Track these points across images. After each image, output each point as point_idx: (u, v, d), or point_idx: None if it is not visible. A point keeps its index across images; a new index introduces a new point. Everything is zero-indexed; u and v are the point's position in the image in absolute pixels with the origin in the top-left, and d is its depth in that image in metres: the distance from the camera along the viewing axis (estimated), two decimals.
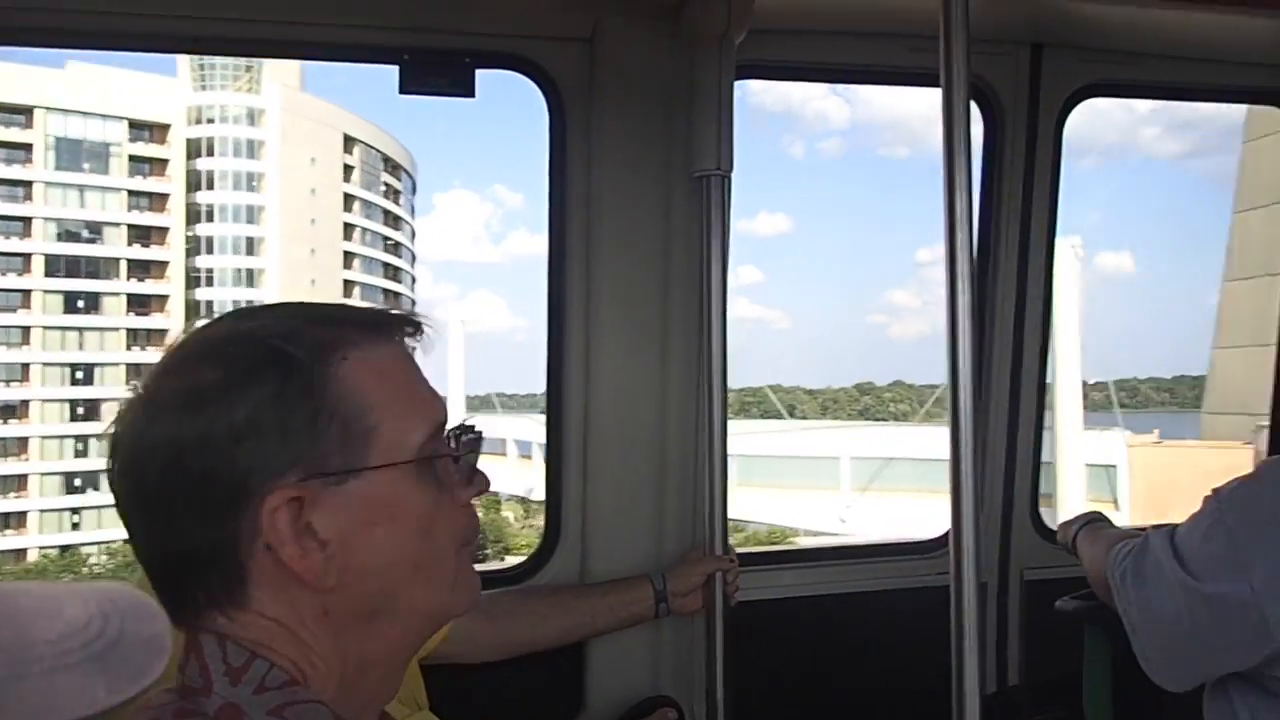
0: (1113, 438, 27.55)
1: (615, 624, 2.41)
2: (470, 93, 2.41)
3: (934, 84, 1.78)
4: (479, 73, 2.43)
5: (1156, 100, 3.10)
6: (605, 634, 2.43)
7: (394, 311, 1.09)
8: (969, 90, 1.76)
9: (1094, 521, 2.21)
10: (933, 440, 28.48)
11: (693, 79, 2.38)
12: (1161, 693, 1.71)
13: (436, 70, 2.39)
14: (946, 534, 2.84)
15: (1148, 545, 1.71)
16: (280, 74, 73.10)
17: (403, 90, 2.37)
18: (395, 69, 2.37)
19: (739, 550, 2.52)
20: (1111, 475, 27.09)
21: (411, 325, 1.09)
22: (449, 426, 1.08)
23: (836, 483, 30.26)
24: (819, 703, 2.81)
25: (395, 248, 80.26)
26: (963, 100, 1.74)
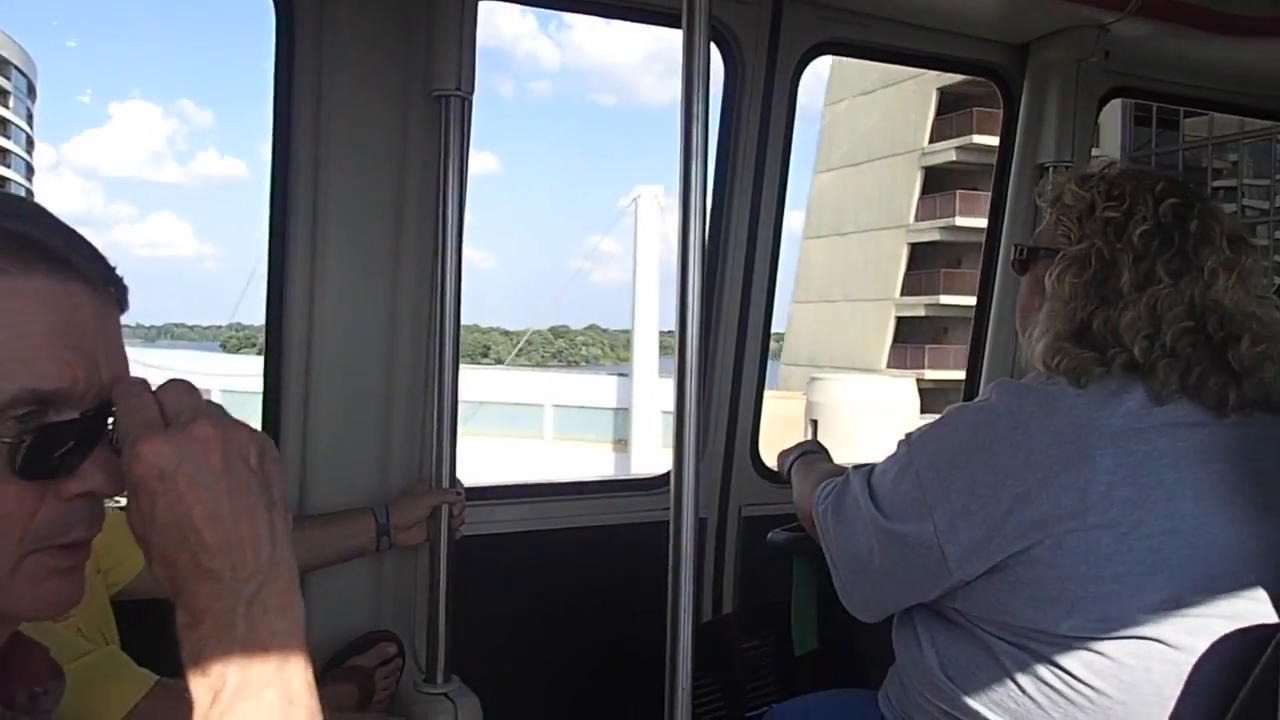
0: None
1: (334, 557, 2.32)
2: None
3: (676, 24, 1.78)
4: None
5: (886, 62, 3.25)
6: (324, 568, 2.34)
7: (94, 255, 0.87)
8: (709, 32, 1.76)
9: (809, 453, 2.30)
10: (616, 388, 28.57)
11: None
12: (859, 620, 1.83)
13: None
14: (670, 471, 2.96)
15: (848, 484, 1.80)
16: None
17: None
18: None
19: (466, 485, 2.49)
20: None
21: (114, 284, 0.88)
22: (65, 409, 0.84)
23: (540, 431, 30.10)
24: (540, 637, 2.83)
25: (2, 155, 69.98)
26: (703, 41, 1.75)
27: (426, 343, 2.45)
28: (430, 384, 2.42)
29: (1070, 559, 1.52)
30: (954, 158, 39.68)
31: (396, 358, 2.46)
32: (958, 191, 39.52)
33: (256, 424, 2.43)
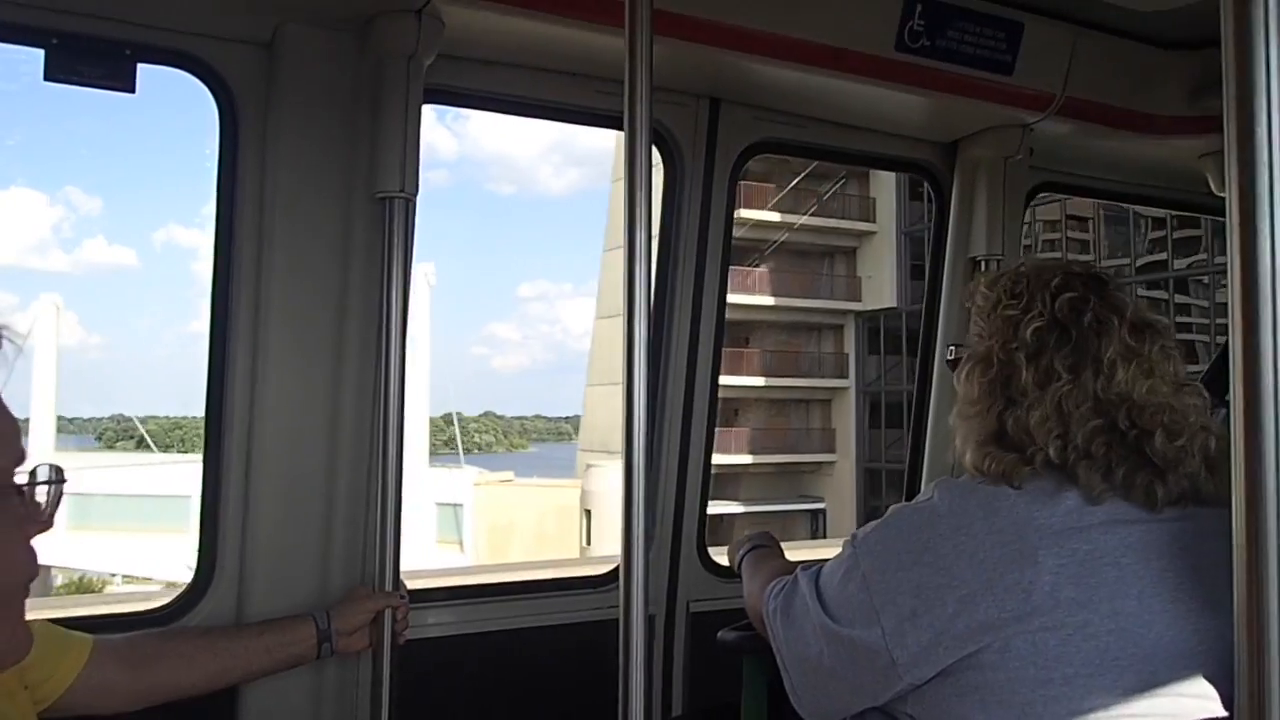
0: (461, 476, 27.21)
1: (272, 666, 2.24)
2: (129, 87, 2.22)
3: (615, 126, 1.82)
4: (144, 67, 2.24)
5: (821, 160, 3.35)
6: (261, 677, 2.26)
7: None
8: (650, 135, 1.81)
9: (760, 546, 2.29)
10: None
11: (379, 98, 2.32)
12: None
13: (90, 59, 2.17)
14: (616, 569, 2.94)
15: (796, 585, 1.79)
16: None
17: (48, 77, 2.14)
18: (41, 53, 2.13)
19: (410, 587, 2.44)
20: (459, 513, 27.48)
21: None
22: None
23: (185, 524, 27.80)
24: None
25: None
26: (645, 143, 1.79)
27: (369, 443, 2.42)
28: (373, 485, 2.39)
29: (1018, 662, 1.52)
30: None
31: (338, 459, 2.43)
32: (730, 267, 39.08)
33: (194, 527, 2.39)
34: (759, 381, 37.99)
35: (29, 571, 0.97)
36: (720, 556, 3.07)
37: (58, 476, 0.98)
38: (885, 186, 39.04)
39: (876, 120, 3.12)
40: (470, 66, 2.58)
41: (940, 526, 1.61)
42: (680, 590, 3.03)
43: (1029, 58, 2.85)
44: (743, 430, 37.99)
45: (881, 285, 38.76)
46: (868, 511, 36.99)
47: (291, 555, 2.39)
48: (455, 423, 31.56)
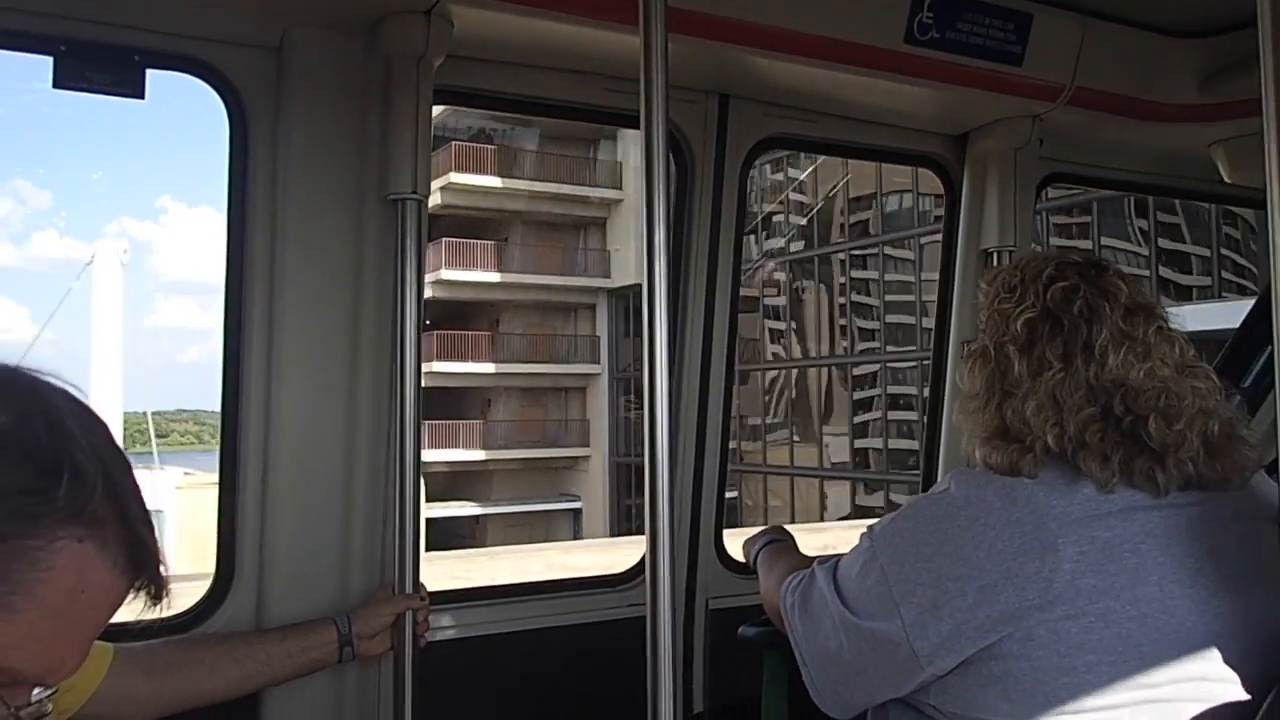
0: (160, 478, 23.62)
1: (294, 672, 2.24)
2: (138, 93, 2.21)
3: (627, 124, 1.82)
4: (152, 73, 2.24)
5: (830, 155, 3.35)
6: (283, 683, 2.26)
7: (164, 568, 1.02)
8: (667, 132, 1.81)
9: (775, 541, 2.29)
10: None
11: (388, 99, 2.32)
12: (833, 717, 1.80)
13: (99, 66, 2.17)
14: (637, 567, 2.94)
15: (814, 580, 1.79)
16: None
17: (57, 84, 2.14)
18: (50, 60, 2.13)
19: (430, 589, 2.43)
20: (159, 520, 26.53)
21: (156, 590, 1.03)
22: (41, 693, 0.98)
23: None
24: None
25: None
26: (661, 142, 1.79)
27: (386, 446, 2.42)
28: (390, 487, 2.39)
29: (1041, 651, 1.52)
30: (439, 200, 31.80)
31: (355, 461, 2.42)
32: (444, 240, 32.94)
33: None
34: (512, 368, 35.12)
35: None
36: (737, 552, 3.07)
37: (39, 713, 1.00)
38: (633, 148, 34.15)
39: (886, 114, 3.12)
40: (479, 66, 2.57)
41: (958, 517, 1.61)
42: (699, 587, 3.02)
43: (1038, 48, 2.84)
44: (496, 423, 35.58)
45: (628, 259, 35.12)
46: (621, 511, 34.74)
47: (310, 559, 2.39)
48: (149, 417, 28.29)
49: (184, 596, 2.30)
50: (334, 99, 2.35)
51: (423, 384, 2.40)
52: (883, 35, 2.66)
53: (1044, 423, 1.60)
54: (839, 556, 1.79)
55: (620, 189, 35.65)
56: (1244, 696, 1.54)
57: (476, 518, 33.86)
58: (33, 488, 0.92)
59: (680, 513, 2.99)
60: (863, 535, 1.74)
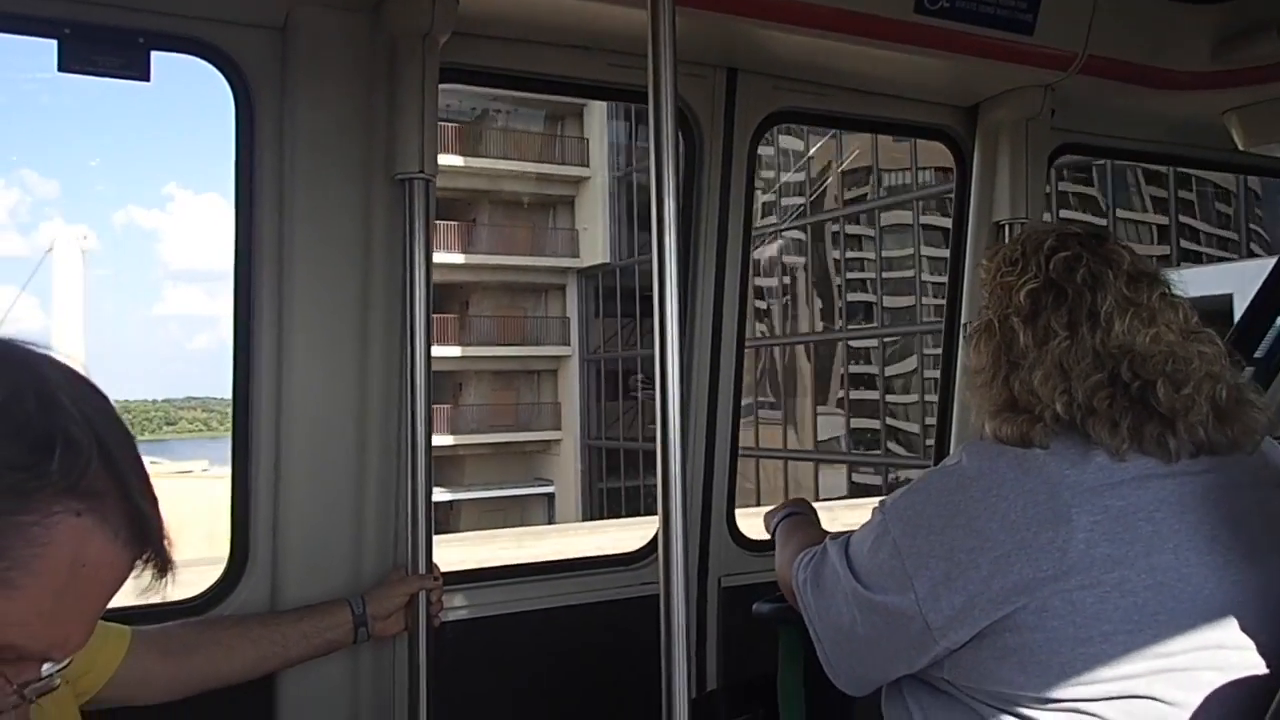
0: None
1: (310, 653, 2.25)
2: (144, 75, 2.20)
3: (633, 99, 1.81)
4: (157, 55, 2.23)
5: (839, 128, 3.32)
6: (298, 664, 2.27)
7: (167, 539, 1.01)
8: (676, 107, 1.79)
9: (795, 514, 2.29)
10: None
11: (394, 77, 2.30)
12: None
13: (104, 49, 2.16)
14: (649, 545, 2.94)
15: (825, 554, 1.79)
16: None
17: (62, 68, 2.13)
18: (54, 44, 2.12)
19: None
20: None
21: (161, 562, 1.01)
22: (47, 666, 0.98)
23: None
24: None
25: None
26: (670, 117, 1.78)
27: (397, 426, 2.42)
28: (402, 468, 2.39)
29: (1056, 621, 1.51)
30: None
31: (367, 442, 2.43)
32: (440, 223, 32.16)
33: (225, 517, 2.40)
34: (483, 351, 34.78)
35: None
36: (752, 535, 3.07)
37: (46, 688, 1.00)
38: (599, 123, 34.65)
39: (895, 85, 3.08)
40: (485, 43, 2.56)
41: (971, 489, 1.60)
42: (711, 565, 3.02)
43: (1049, 17, 2.81)
44: (467, 408, 35.16)
45: (596, 238, 34.93)
46: (594, 495, 34.47)
47: (324, 540, 2.40)
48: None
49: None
50: (339, 78, 2.33)
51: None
52: (892, 6, 2.63)
53: (1052, 391, 1.60)
54: (851, 531, 1.78)
55: (587, 166, 35.05)
56: (1261, 663, 1.53)
57: (450, 503, 33.61)
58: (24, 463, 0.91)
59: (692, 490, 2.99)
60: (875, 509, 1.74)
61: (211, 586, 2.42)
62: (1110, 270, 1.66)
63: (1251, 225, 22.87)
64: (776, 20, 2.56)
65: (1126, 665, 1.50)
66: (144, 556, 1.00)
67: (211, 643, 2.15)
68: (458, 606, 2.58)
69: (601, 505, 34.04)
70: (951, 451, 3.29)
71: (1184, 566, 1.53)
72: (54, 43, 2.13)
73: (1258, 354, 3.69)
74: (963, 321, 3.30)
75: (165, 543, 1.01)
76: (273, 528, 2.38)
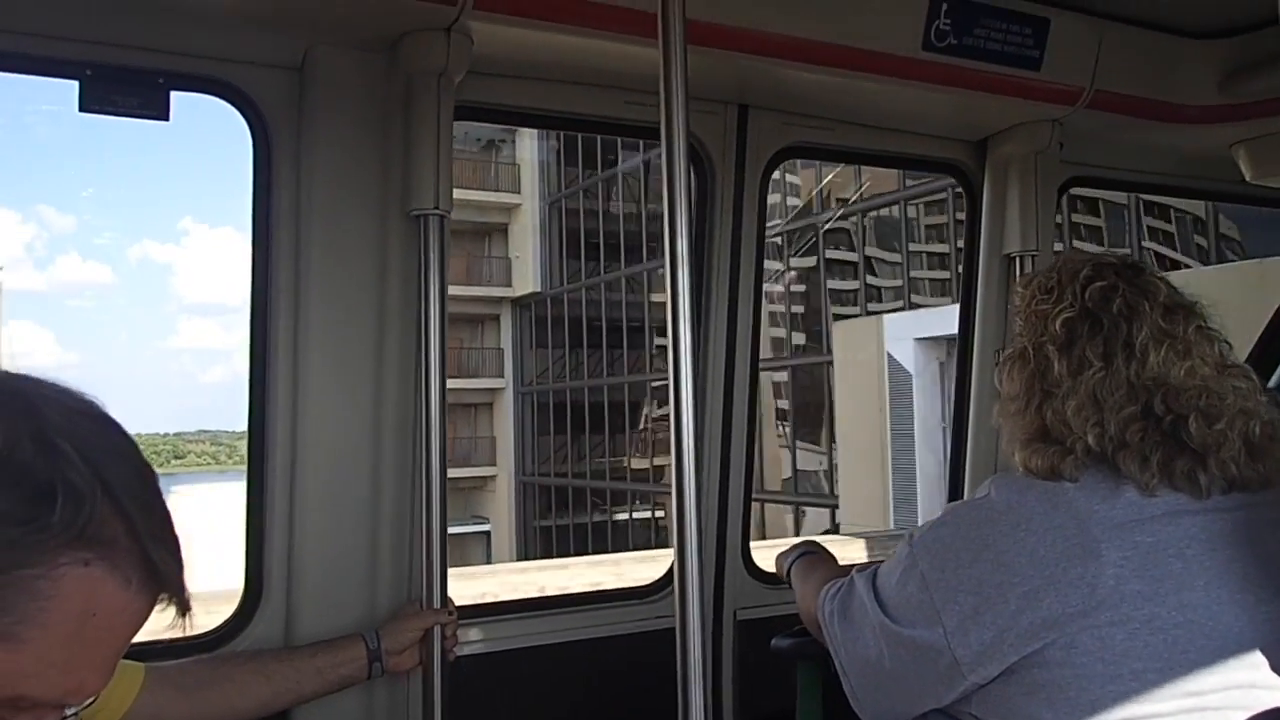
0: None
1: (324, 688, 2.24)
2: (163, 115, 2.24)
3: (648, 136, 1.83)
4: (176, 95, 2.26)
5: (850, 163, 3.35)
6: (313, 700, 2.26)
7: (183, 581, 0.98)
8: (688, 145, 1.81)
9: (808, 554, 2.28)
10: None
11: (410, 116, 2.33)
12: None
13: (124, 89, 2.20)
14: (664, 578, 2.93)
15: (853, 587, 1.78)
16: None
17: (83, 108, 2.16)
18: (76, 85, 2.16)
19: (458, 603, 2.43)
20: None
21: (181, 605, 0.99)
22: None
23: None
24: None
25: None
26: (682, 153, 1.79)
27: (412, 461, 2.43)
28: (417, 502, 2.39)
29: (1086, 658, 1.50)
30: None
31: (381, 476, 2.43)
32: None
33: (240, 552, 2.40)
34: None
35: None
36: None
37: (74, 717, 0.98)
38: (530, 148, 33.92)
39: (905, 121, 3.11)
40: (500, 81, 2.58)
41: (999, 523, 1.60)
42: (726, 599, 3.01)
43: (1056, 52, 2.84)
44: None
45: (528, 266, 34.56)
46: (530, 534, 33.52)
47: (338, 575, 2.39)
48: None
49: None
50: (356, 117, 2.36)
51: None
52: (900, 42, 2.66)
53: (1085, 422, 1.59)
54: (878, 563, 1.78)
55: (519, 193, 34.57)
56: None
57: None
58: (24, 515, 0.88)
59: (707, 523, 2.98)
60: (902, 542, 1.73)
61: (226, 622, 2.42)
62: (1146, 301, 1.66)
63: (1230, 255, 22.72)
64: (787, 58, 2.59)
65: (1156, 703, 1.49)
66: (161, 599, 0.97)
67: (225, 679, 2.14)
68: (472, 640, 2.57)
69: (539, 544, 33.14)
70: (966, 483, 3.29)
71: (1215, 604, 1.52)
72: (76, 84, 2.17)
73: (1271, 384, 3.69)
74: (975, 352, 3.31)
75: (183, 584, 0.98)
76: (287, 562, 2.38)
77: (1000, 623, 1.54)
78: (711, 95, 2.81)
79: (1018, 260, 3.16)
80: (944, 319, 22.29)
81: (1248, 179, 3.30)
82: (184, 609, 0.99)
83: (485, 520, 35.81)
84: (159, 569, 0.95)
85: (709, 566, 2.98)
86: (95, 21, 2.16)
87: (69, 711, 0.97)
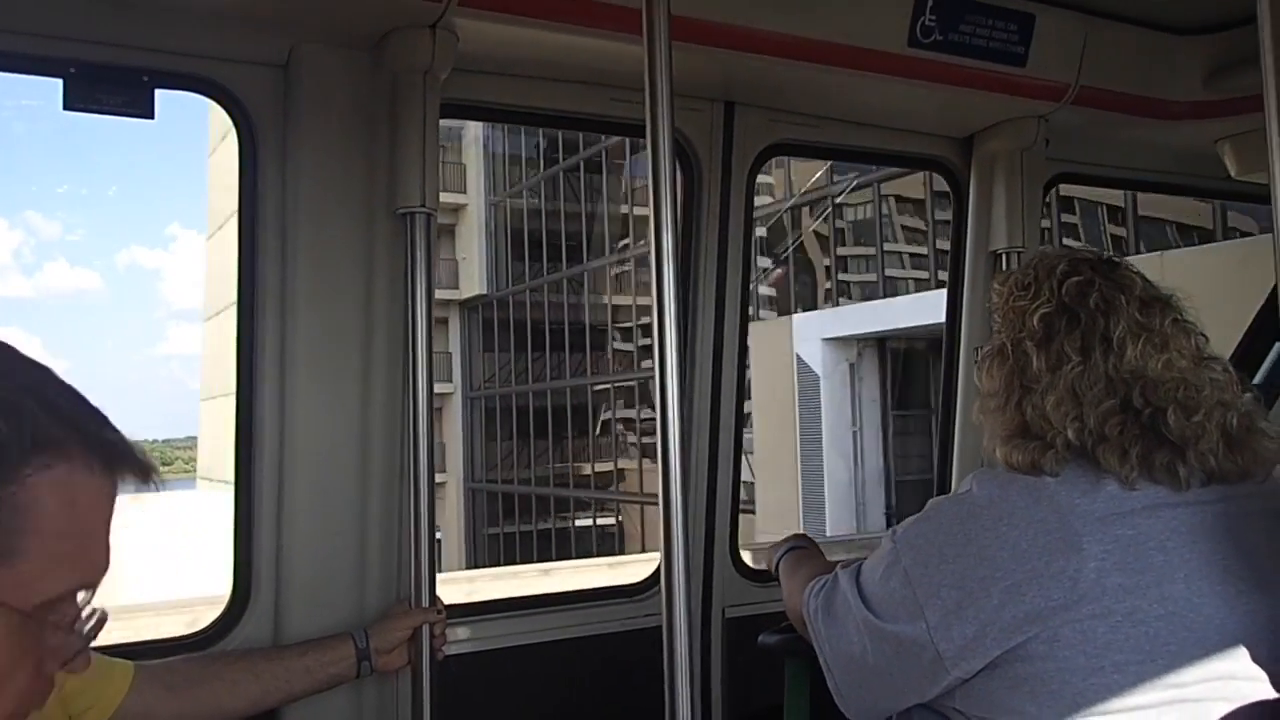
0: None
1: (313, 687, 2.24)
2: (148, 113, 2.23)
3: (633, 133, 1.83)
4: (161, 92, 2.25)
5: (837, 160, 3.35)
6: (302, 698, 2.26)
7: (138, 451, 1.03)
8: (673, 142, 1.81)
9: (797, 548, 2.28)
10: None
11: (395, 114, 2.33)
12: None
13: (108, 87, 2.19)
14: (653, 576, 2.93)
15: (837, 583, 1.78)
16: None
17: (67, 106, 2.15)
18: (59, 83, 2.15)
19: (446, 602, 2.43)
20: None
21: (142, 471, 1.03)
22: (87, 596, 1.00)
23: None
24: None
25: None
26: (668, 151, 1.79)
27: (400, 460, 2.42)
28: (405, 501, 2.39)
29: (1068, 651, 1.51)
30: None
31: (369, 476, 2.43)
32: None
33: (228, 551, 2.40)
34: None
35: (34, 702, 0.99)
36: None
37: (99, 618, 1.01)
38: (475, 146, 33.71)
39: (891, 117, 3.12)
40: (485, 79, 2.58)
41: (981, 517, 1.60)
42: (715, 596, 3.01)
43: (1041, 48, 2.84)
44: None
45: (473, 268, 33.98)
46: (479, 542, 32.95)
47: (327, 574, 2.39)
48: None
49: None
50: (341, 114, 2.36)
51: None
52: (886, 39, 2.66)
53: (1064, 417, 1.60)
54: (862, 559, 1.78)
55: (465, 193, 33.91)
56: (1274, 695, 1.53)
57: None
58: None
59: (695, 521, 2.98)
60: (885, 537, 1.74)
61: (215, 621, 2.42)
62: (1123, 295, 1.66)
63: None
64: (773, 54, 2.59)
65: (1138, 695, 1.50)
66: (124, 473, 1.03)
67: (215, 678, 2.14)
68: (461, 640, 2.57)
69: (488, 553, 32.53)
70: (954, 479, 3.30)
71: (1196, 596, 1.53)
72: (59, 81, 2.16)
73: (1256, 380, 3.70)
74: (961, 350, 3.32)
75: (135, 454, 1.03)
76: (275, 562, 2.37)
77: (983, 617, 1.54)
78: (697, 92, 2.81)
79: (1004, 257, 3.16)
80: (855, 317, 21.83)
81: (1232, 175, 3.31)
82: (145, 474, 1.04)
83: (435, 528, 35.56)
84: (113, 448, 1.01)
85: (696, 564, 2.98)
86: (79, 18, 2.15)
87: (87, 595, 1.00)
